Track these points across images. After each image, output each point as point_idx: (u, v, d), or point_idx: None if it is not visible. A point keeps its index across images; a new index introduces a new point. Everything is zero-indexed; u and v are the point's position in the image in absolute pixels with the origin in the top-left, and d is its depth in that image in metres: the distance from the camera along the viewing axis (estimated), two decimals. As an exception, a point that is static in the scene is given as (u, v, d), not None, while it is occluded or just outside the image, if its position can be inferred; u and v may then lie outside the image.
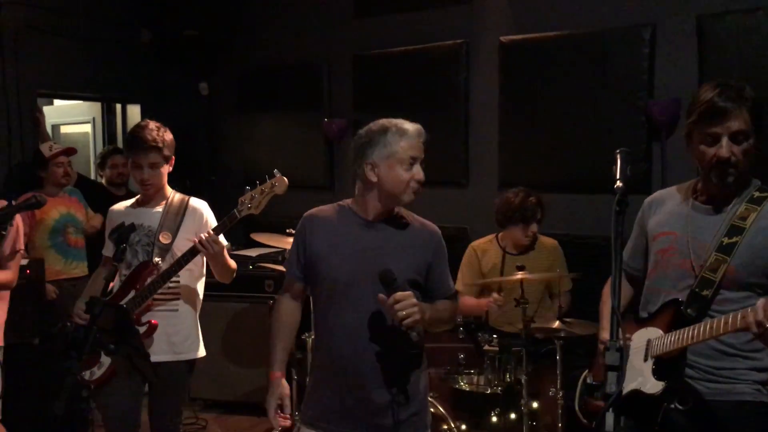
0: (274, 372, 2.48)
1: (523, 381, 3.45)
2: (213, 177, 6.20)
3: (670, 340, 2.12)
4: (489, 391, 3.60)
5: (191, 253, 2.97)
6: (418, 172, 2.37)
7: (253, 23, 6.06)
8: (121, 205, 3.25)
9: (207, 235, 2.90)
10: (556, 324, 3.56)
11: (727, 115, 2.08)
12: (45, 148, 4.62)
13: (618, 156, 1.98)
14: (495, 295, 3.85)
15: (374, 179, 2.36)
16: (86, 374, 2.96)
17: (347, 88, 5.58)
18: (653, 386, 2.13)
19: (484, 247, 4.10)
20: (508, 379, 3.57)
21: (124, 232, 2.57)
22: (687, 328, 2.06)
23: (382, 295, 2.21)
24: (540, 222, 3.94)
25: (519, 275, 3.48)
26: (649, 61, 4.26)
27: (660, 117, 4.16)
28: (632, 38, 4.31)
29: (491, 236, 4.15)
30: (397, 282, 2.22)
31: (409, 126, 2.37)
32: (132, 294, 3.01)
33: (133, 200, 3.27)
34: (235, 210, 2.91)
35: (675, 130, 4.13)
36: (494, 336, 3.63)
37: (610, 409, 1.57)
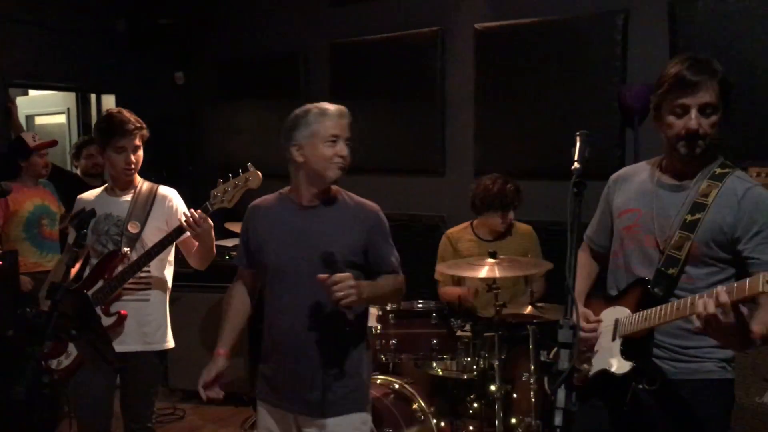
0: (217, 349, 2.65)
1: (495, 366, 3.46)
2: (190, 167, 6.18)
3: (638, 320, 2.13)
4: (463, 377, 3.62)
5: (162, 244, 2.97)
6: (341, 149, 2.46)
7: (230, 12, 6.03)
8: (90, 194, 3.22)
9: (198, 213, 2.88)
10: (529, 309, 3.58)
11: (696, 87, 2.09)
12: (28, 138, 4.56)
13: (578, 138, 2.00)
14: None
15: (300, 159, 2.47)
16: (53, 363, 2.94)
17: (324, 76, 5.56)
18: (621, 366, 2.14)
19: (459, 235, 4.12)
20: (482, 365, 3.58)
21: (84, 218, 2.55)
22: (655, 308, 2.07)
23: (321, 275, 2.30)
24: (516, 209, 3.96)
25: (488, 263, 3.48)
26: (622, 47, 4.28)
27: (633, 103, 4.17)
28: (605, 25, 4.32)
29: (466, 224, 4.17)
30: (338, 264, 2.33)
31: (330, 106, 2.48)
32: (100, 284, 3.00)
33: (101, 189, 3.24)
34: (207, 203, 2.90)
35: (647, 115, 4.15)
36: (467, 321, 3.64)
37: (563, 385, 1.58)
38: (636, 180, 2.35)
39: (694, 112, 2.10)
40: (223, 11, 6.05)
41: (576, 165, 1.94)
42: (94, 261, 3.07)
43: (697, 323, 1.90)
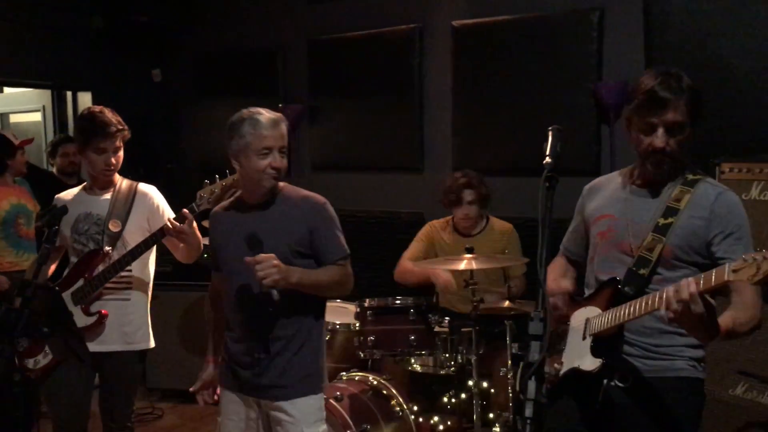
0: (207, 356, 2.80)
1: (473, 361, 3.48)
2: (170, 164, 6.14)
3: (608, 318, 2.15)
4: (441, 372, 3.64)
5: (146, 244, 2.96)
6: (274, 160, 2.51)
7: (207, 8, 6.00)
8: (68, 193, 3.20)
9: (184, 212, 2.90)
10: (506, 304, 3.61)
11: (664, 106, 2.12)
12: (10, 136, 4.54)
13: (549, 132, 2.02)
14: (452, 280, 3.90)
15: (238, 167, 2.57)
16: (30, 363, 2.91)
17: (302, 73, 5.55)
18: (591, 363, 2.15)
19: (440, 227, 4.18)
20: (460, 360, 3.60)
21: (55, 214, 2.54)
22: (623, 305, 2.09)
23: (248, 258, 2.39)
24: (478, 204, 3.97)
25: (465, 259, 3.51)
26: (598, 44, 4.31)
27: (608, 99, 4.21)
28: (581, 22, 4.35)
29: (448, 218, 4.21)
30: (262, 245, 2.44)
31: (263, 117, 2.51)
32: (81, 283, 2.98)
33: (79, 188, 3.21)
34: (194, 204, 2.90)
35: (623, 112, 4.18)
36: (445, 317, 3.66)
37: (533, 377, 1.59)
38: (609, 188, 2.40)
39: (660, 131, 2.14)
40: (200, 8, 6.01)
41: (548, 159, 1.96)
42: (74, 260, 3.05)
43: (669, 315, 1.93)
